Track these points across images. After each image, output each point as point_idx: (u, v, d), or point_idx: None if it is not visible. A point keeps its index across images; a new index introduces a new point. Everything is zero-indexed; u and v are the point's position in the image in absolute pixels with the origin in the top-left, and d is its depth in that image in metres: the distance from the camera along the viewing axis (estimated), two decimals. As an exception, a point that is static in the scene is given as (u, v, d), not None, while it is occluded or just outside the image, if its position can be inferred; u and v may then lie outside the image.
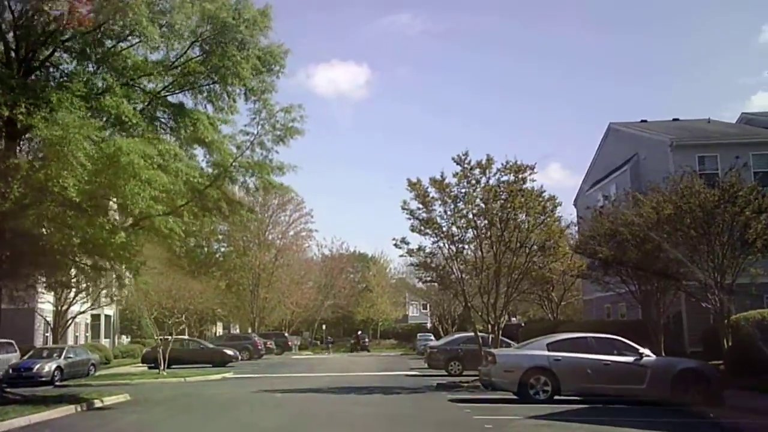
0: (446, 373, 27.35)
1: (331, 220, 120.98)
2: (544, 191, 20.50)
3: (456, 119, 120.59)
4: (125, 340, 49.55)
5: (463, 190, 21.04)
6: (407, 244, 21.33)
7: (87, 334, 42.50)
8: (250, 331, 68.31)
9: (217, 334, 69.00)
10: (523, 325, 46.56)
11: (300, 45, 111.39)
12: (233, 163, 16.32)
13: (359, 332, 71.92)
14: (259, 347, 45.05)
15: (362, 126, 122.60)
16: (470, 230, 21.42)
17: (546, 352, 15.80)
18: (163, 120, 16.40)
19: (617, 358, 15.45)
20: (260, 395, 19.37)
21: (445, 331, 56.43)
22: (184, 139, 16.09)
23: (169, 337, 29.98)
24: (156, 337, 29.37)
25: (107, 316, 45.13)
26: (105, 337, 44.23)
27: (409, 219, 21.53)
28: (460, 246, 21.67)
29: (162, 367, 28.14)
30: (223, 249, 74.63)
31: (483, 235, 21.24)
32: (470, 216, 21.04)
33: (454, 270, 21.74)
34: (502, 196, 20.54)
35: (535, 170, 20.84)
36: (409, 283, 76.63)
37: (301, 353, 63.22)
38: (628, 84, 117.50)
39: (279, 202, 68.14)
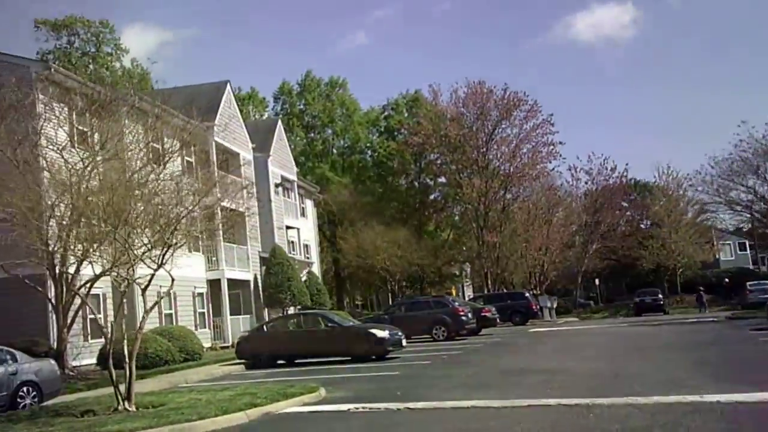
0: None
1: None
2: None
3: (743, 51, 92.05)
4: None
5: None
6: None
7: (202, 310, 28.88)
8: (465, 292, 51.11)
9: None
10: None
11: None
12: None
13: (701, 290, 45.71)
14: (462, 317, 27.30)
15: (633, 68, 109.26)
16: None
17: None
18: None
19: None
20: None
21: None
22: None
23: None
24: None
25: (237, 281, 31.09)
26: (234, 314, 30.33)
27: None
28: None
29: (129, 381, 11.88)
30: (439, 184, 57.83)
31: None
32: None
33: None
34: None
35: None
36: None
37: (558, 320, 43.90)
38: None
39: (501, 109, 49.13)
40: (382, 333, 20.37)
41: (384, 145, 57.83)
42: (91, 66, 46.91)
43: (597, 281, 59.14)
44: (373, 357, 19.84)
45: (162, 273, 12.84)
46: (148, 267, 12.90)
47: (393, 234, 43.52)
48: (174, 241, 13.08)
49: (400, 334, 20.81)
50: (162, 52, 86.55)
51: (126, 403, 11.78)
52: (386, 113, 60.45)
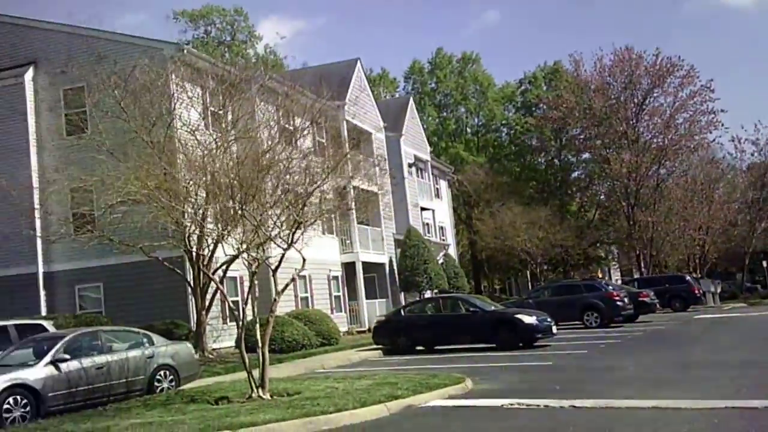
0: None
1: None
2: None
3: None
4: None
5: None
6: None
7: (337, 294, 28.43)
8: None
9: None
10: None
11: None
12: None
13: None
14: (618, 302, 25.05)
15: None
16: None
17: None
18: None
19: None
20: None
21: None
22: None
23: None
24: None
25: (371, 264, 30.48)
26: (369, 298, 29.71)
27: None
28: None
29: (262, 367, 11.20)
30: (582, 161, 54.17)
31: None
32: None
33: None
34: None
35: None
36: None
37: (723, 306, 39.87)
38: None
39: (652, 76, 45.24)
40: (529, 319, 18.80)
41: (521, 122, 55.40)
42: (226, 54, 48.24)
43: (765, 263, 53.62)
44: (520, 345, 18.36)
45: (297, 255, 12.12)
46: (279, 247, 12.21)
47: (533, 214, 41.35)
48: (304, 218, 12.30)
49: (549, 320, 19.14)
50: (295, 42, 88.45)
51: (260, 391, 11.11)
52: (523, 88, 57.85)
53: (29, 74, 21.90)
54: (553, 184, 53.75)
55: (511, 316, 19.32)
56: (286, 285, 11.97)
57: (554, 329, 19.24)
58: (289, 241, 11.93)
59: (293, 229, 11.99)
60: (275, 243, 12.13)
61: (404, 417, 9.77)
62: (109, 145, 17.81)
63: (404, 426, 9.31)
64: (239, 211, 11.98)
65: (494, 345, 18.61)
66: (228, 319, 22.02)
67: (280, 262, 12.01)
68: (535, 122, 51.48)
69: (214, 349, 20.10)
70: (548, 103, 49.63)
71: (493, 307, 20.71)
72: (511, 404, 9.85)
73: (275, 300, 11.82)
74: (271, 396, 11.19)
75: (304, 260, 12.08)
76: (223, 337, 21.27)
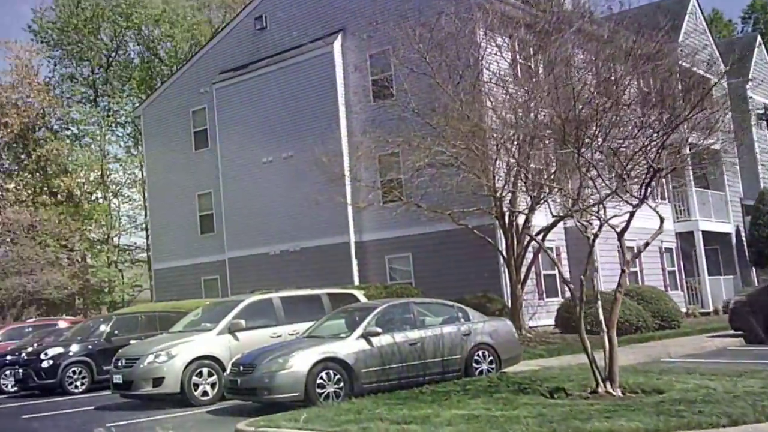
0: None
1: None
2: None
3: None
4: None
5: None
6: None
7: (672, 269, 24.40)
8: None
9: None
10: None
11: None
12: None
13: None
14: None
15: None
16: None
17: None
18: None
19: None
20: None
21: None
22: None
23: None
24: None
25: (713, 235, 25.85)
26: (711, 274, 25.07)
27: None
28: None
29: (609, 356, 8.83)
30: None
31: None
32: None
33: None
34: None
35: None
36: None
37: None
38: None
39: None
40: None
41: None
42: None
43: None
44: None
45: (622, 221, 9.59)
46: (628, 203, 9.73)
47: None
48: (661, 165, 9.67)
49: None
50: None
51: (608, 385, 8.85)
52: None
53: (338, 42, 22.09)
54: None
55: None
56: (638, 252, 9.54)
57: None
58: (642, 195, 9.42)
59: (648, 180, 9.44)
60: (622, 199, 9.68)
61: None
62: (414, 104, 16.85)
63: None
64: (574, 158, 9.76)
65: None
66: (545, 295, 20.12)
67: (628, 222, 9.57)
68: None
69: (531, 328, 18.31)
70: None
71: None
72: None
73: (623, 271, 9.42)
74: (623, 392, 8.87)
75: (662, 219, 9.47)
76: (539, 315, 19.41)
